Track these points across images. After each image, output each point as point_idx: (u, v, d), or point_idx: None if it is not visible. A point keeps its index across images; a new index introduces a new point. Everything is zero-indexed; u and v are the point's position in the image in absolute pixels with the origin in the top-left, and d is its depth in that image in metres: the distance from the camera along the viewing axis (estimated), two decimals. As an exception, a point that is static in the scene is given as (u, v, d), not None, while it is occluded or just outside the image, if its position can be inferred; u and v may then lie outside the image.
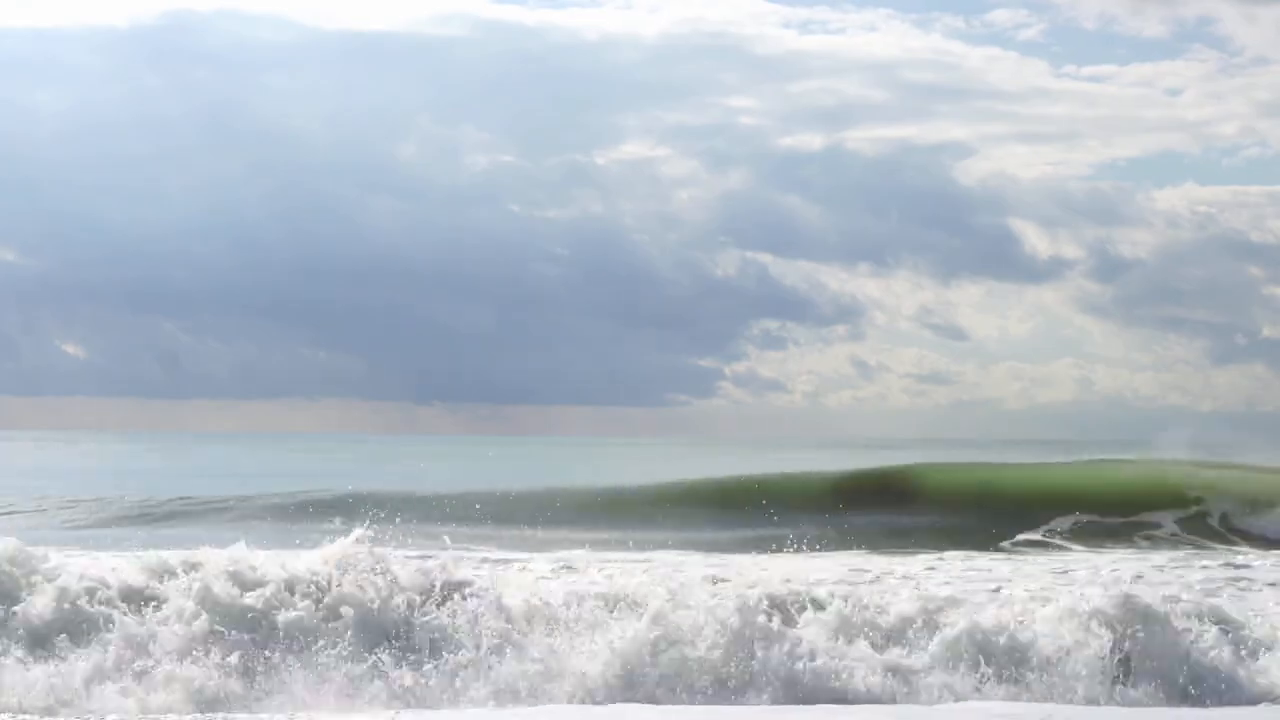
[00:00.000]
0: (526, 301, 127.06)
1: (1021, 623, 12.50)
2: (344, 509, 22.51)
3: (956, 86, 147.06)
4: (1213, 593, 17.04)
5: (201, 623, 12.13)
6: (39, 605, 12.34)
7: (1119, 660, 12.06)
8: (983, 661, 12.16)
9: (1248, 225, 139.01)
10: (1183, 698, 11.84)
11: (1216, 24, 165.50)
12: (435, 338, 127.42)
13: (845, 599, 12.95)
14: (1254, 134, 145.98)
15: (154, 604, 12.45)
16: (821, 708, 11.55)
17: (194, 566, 12.79)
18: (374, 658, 11.92)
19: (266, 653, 11.94)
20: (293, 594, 12.54)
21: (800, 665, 11.99)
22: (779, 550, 20.86)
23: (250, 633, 12.13)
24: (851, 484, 30.95)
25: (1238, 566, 20.67)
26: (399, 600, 12.57)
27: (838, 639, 12.44)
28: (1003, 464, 33.76)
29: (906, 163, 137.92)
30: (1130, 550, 24.32)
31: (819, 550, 21.70)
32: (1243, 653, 12.38)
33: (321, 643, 12.07)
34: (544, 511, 28.12)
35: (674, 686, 11.87)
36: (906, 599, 13.11)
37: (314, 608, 12.45)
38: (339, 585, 12.60)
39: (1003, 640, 12.30)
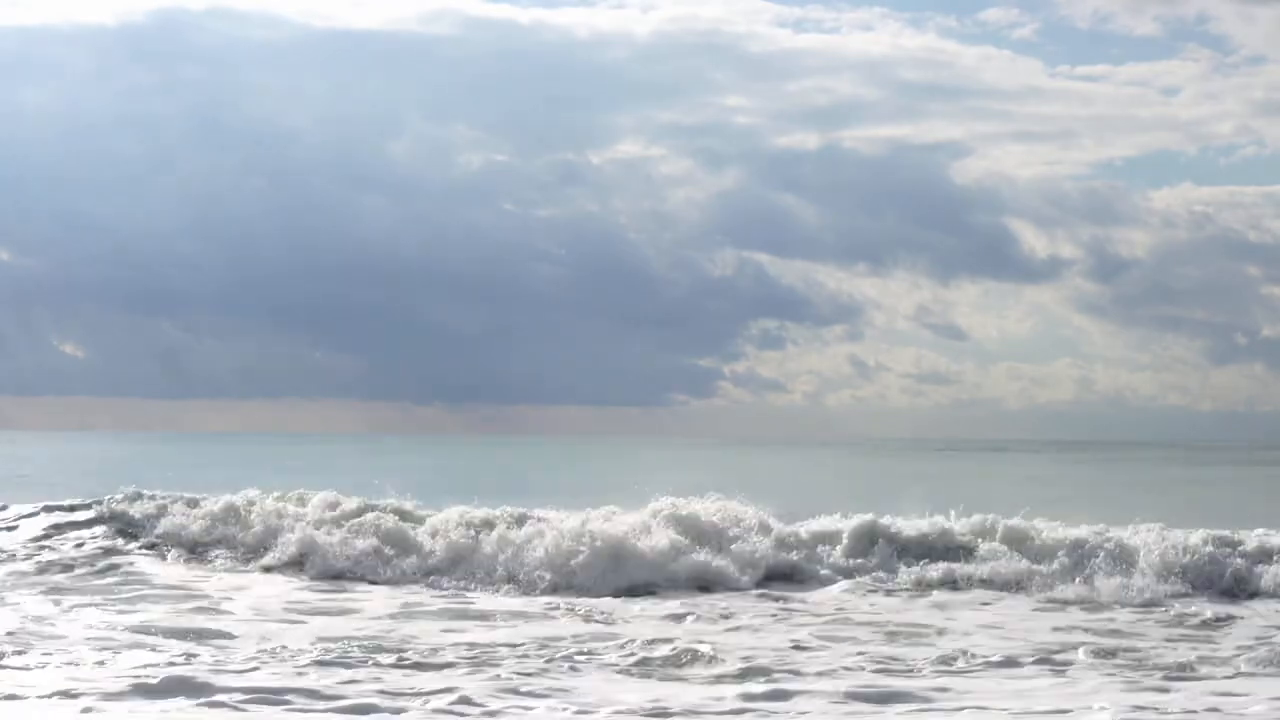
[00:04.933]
0: (525, 301, 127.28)
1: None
2: None
3: (951, 85, 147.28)
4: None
5: None
6: None
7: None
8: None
9: (1245, 225, 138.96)
10: None
11: (1212, 22, 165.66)
12: (435, 338, 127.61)
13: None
14: (1251, 133, 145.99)
15: None
16: None
17: None
18: None
19: None
20: None
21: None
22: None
23: None
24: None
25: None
26: None
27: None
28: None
29: (902, 162, 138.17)
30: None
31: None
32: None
33: None
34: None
35: None
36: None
37: None
38: None
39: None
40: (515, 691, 12.41)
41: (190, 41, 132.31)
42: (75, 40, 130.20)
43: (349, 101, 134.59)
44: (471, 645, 14.72)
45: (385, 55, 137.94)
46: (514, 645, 14.78)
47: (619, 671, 13.45)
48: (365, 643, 14.59)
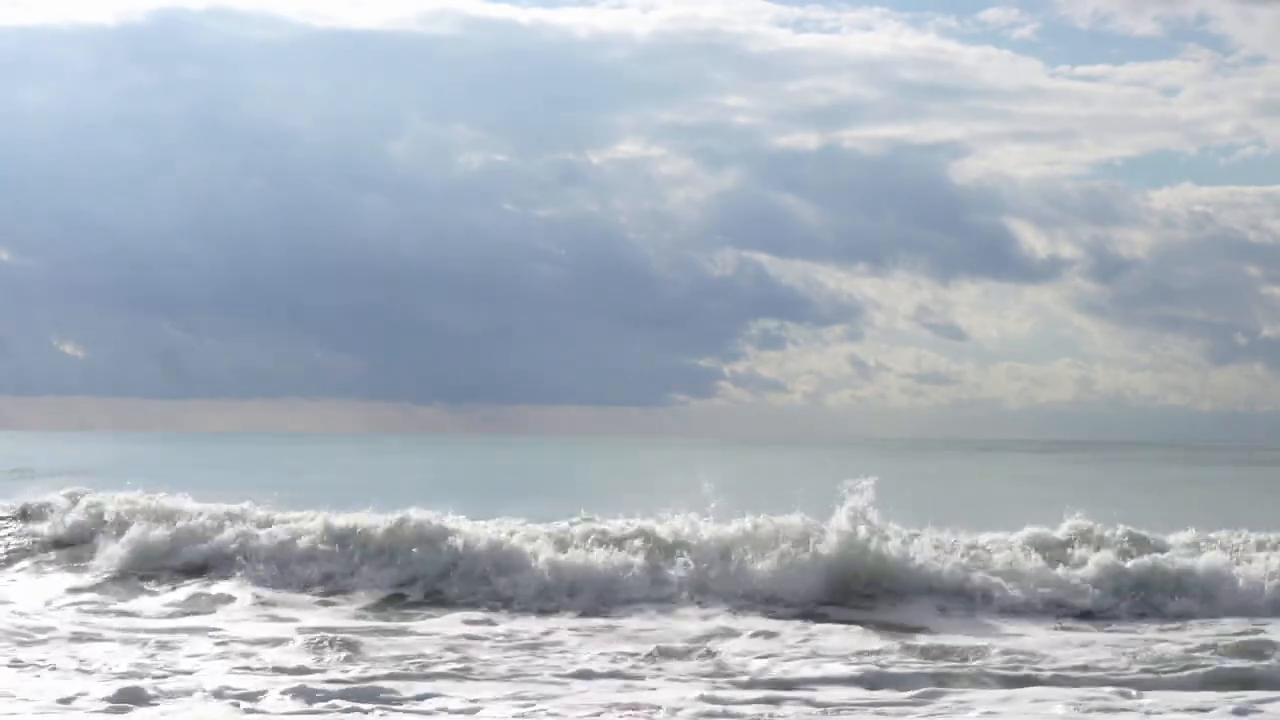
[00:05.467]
0: (525, 301, 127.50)
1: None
2: None
3: (951, 85, 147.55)
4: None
5: None
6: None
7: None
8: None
9: (1245, 225, 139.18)
10: None
11: (1212, 22, 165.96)
12: (435, 338, 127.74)
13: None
14: (1251, 133, 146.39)
15: None
16: None
17: None
18: None
19: None
20: None
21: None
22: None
23: None
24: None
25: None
26: None
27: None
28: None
29: (902, 162, 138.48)
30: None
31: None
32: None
33: None
34: None
35: None
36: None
37: None
38: None
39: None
40: (513, 697, 12.32)
41: (190, 41, 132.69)
42: (75, 40, 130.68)
43: (349, 101, 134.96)
44: (462, 645, 14.60)
45: (385, 55, 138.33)
46: (509, 645, 14.68)
47: (615, 673, 13.35)
48: (352, 642, 14.47)
